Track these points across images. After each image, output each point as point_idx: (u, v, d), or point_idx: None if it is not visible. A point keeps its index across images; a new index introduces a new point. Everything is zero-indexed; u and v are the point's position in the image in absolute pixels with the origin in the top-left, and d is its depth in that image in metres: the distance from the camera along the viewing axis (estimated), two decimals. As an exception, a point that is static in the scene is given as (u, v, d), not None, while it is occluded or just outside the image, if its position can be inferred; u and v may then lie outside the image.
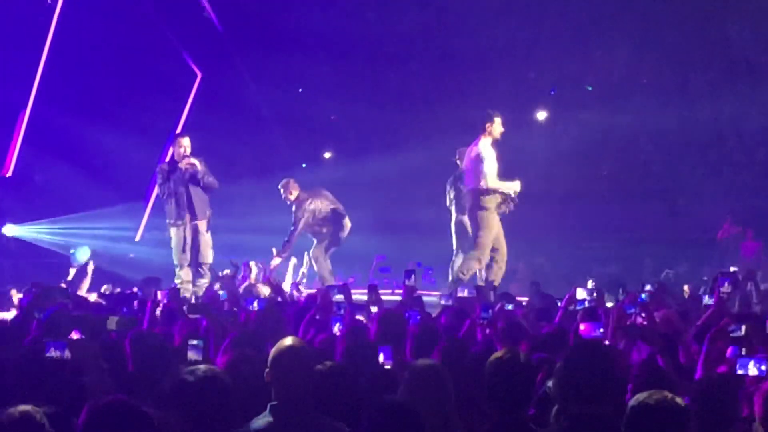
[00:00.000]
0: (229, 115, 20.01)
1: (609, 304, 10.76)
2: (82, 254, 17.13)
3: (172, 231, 15.30)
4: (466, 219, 15.89)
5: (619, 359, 6.71)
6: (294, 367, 5.70)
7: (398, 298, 12.08)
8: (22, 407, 5.18)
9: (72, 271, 15.86)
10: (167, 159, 15.76)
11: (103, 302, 12.28)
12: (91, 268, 16.42)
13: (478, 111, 19.28)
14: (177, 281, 14.88)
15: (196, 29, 21.20)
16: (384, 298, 11.68)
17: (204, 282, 15.07)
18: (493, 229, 14.30)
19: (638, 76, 20.46)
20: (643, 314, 9.18)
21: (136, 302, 10.97)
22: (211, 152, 16.20)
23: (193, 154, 14.90)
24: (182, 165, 14.97)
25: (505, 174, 14.00)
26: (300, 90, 22.67)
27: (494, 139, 14.26)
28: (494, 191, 14.12)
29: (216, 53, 21.60)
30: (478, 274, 15.34)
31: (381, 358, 7.22)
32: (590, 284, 12.80)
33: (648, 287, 11.74)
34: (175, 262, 15.31)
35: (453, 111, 20.13)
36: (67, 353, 6.72)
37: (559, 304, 10.77)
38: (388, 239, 18.73)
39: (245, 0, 21.14)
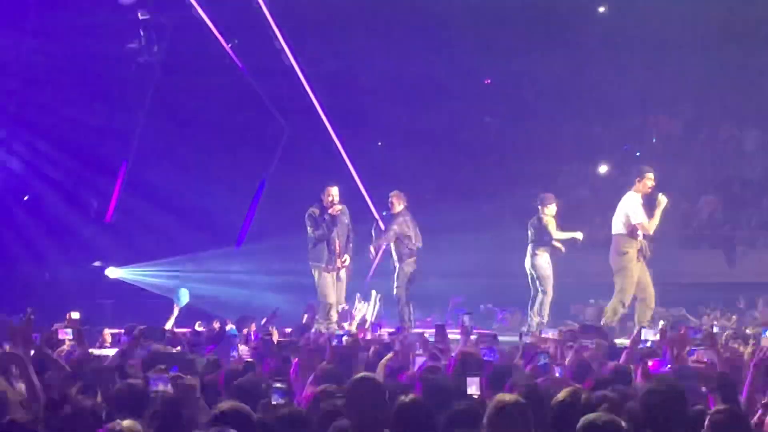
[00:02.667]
0: (312, 163, 20.16)
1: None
2: (184, 295, 17.39)
3: (324, 274, 15.64)
4: (539, 262, 16.19)
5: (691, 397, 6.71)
6: (367, 398, 5.83)
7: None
8: (127, 422, 5.46)
9: (176, 310, 16.06)
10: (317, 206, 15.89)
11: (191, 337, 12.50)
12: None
13: (547, 164, 19.60)
14: (323, 324, 15.10)
15: (283, 85, 21.34)
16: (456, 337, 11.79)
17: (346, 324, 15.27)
18: (635, 273, 14.67)
19: (697, 133, 20.48)
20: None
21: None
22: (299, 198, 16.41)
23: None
24: (332, 211, 15.45)
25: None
26: (379, 143, 22.83)
27: (643, 192, 14.77)
28: (634, 237, 14.65)
29: (301, 107, 21.68)
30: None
31: (473, 389, 7.32)
32: (661, 323, 12.87)
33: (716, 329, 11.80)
34: (330, 301, 15.56)
35: (522, 163, 20.29)
36: (169, 388, 6.89)
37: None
38: (464, 281, 18.75)
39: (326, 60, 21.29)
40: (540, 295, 16.51)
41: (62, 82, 19.19)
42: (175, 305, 16.08)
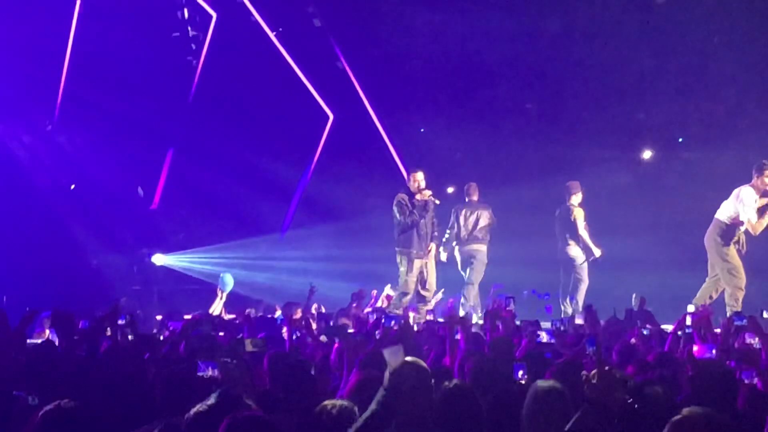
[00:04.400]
0: (359, 152, 20.15)
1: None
2: (229, 281, 17.42)
3: (413, 261, 15.55)
4: (571, 252, 16.24)
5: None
6: (411, 382, 5.77)
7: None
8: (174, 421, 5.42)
9: (221, 294, 16.07)
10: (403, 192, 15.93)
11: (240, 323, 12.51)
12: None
13: (588, 150, 19.51)
14: (397, 306, 15.05)
15: (329, 73, 21.40)
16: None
17: (426, 308, 15.23)
18: (735, 255, 14.46)
19: (742, 108, 20.30)
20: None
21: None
22: (344, 187, 16.38)
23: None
24: (420, 197, 15.43)
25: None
26: (422, 130, 22.80)
27: (763, 188, 14.32)
28: (737, 228, 14.38)
29: (347, 96, 21.73)
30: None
31: (520, 374, 7.33)
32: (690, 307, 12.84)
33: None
34: (408, 290, 15.58)
35: (563, 148, 20.20)
36: (216, 372, 6.89)
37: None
38: (506, 269, 18.65)
39: (374, 45, 21.25)
40: (578, 284, 16.59)
41: (108, 74, 19.24)
42: (220, 291, 16.13)
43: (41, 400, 6.00)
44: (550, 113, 21.10)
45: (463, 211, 17.31)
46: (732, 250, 14.40)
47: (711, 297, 14.64)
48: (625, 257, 17.39)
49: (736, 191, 14.45)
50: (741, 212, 14.23)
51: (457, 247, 17.31)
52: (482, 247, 17.33)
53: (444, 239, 17.25)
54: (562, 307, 16.48)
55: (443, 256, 17.02)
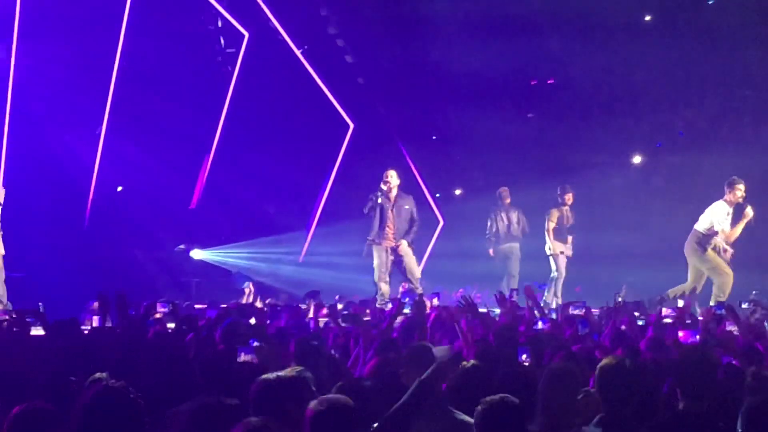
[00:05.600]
0: (375, 160, 20.17)
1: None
2: (259, 274, 17.50)
3: (371, 247, 15.54)
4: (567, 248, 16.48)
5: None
6: (424, 364, 5.85)
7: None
8: (210, 400, 5.47)
9: (250, 286, 16.12)
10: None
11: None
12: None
13: (583, 155, 19.57)
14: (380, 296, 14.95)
15: (349, 86, 21.49)
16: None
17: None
18: (714, 258, 14.85)
19: (725, 117, 20.36)
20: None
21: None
22: (362, 189, 16.42)
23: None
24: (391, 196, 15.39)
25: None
26: (434, 137, 22.88)
27: (734, 202, 14.80)
28: (713, 237, 14.84)
29: (364, 106, 21.82)
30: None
31: (523, 357, 7.43)
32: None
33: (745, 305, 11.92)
34: (376, 277, 15.45)
35: (560, 154, 20.25)
36: (253, 357, 6.93)
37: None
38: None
39: (389, 61, 21.33)
40: (558, 276, 16.87)
41: (151, 87, 19.34)
42: (250, 283, 16.19)
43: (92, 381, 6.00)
44: (550, 122, 21.12)
45: (501, 214, 17.64)
46: (710, 253, 14.88)
47: (695, 291, 14.83)
48: (616, 251, 17.46)
49: (711, 206, 14.95)
50: (716, 224, 14.73)
51: (495, 245, 17.70)
52: (516, 244, 17.71)
53: (488, 238, 17.92)
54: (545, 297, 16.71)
55: (491, 252, 17.59)
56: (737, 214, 14.87)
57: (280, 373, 5.13)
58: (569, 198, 17.14)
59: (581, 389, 6.04)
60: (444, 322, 9.50)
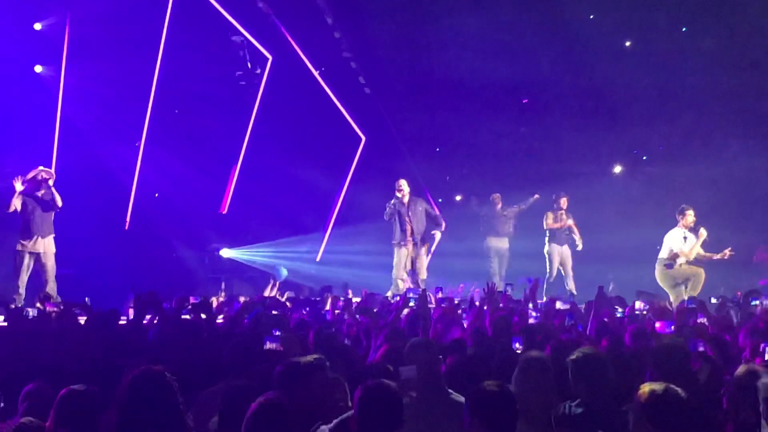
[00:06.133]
0: (384, 169, 20.20)
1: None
2: (283, 271, 17.44)
3: (395, 248, 15.50)
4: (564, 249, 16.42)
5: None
6: (421, 355, 5.89)
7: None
8: (238, 382, 5.46)
9: (275, 282, 16.12)
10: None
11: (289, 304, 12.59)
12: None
13: (569, 165, 19.58)
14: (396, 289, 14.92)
15: (361, 103, 21.53)
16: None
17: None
18: (684, 270, 14.72)
19: (696, 132, 20.39)
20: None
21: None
22: (373, 195, 16.40)
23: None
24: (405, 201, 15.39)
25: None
26: (438, 149, 22.92)
27: (687, 226, 14.81)
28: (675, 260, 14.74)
29: (375, 121, 21.86)
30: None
31: (517, 345, 7.43)
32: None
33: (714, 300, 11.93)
34: (396, 275, 15.43)
35: (549, 165, 20.24)
36: (278, 345, 6.91)
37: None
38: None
39: (398, 80, 21.36)
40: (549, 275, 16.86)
41: (186, 103, 19.40)
42: (273, 279, 16.19)
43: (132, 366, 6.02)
44: (540, 136, 21.12)
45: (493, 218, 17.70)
46: (675, 269, 14.71)
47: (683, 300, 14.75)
48: (599, 252, 17.39)
49: (667, 234, 15.01)
50: (675, 248, 14.70)
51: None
52: (506, 245, 17.69)
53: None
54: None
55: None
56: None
57: (301, 359, 5.14)
58: (564, 202, 17.05)
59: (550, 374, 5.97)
60: (447, 313, 9.50)
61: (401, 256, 15.44)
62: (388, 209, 15.55)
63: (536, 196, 17.74)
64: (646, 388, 4.80)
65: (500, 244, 17.70)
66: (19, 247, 13.17)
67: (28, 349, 7.35)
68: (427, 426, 5.40)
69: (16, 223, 13.38)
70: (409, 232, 15.43)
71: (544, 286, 16.66)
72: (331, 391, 5.05)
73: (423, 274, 15.50)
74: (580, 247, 16.99)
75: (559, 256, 16.96)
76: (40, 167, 13.57)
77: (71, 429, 4.58)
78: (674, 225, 15.15)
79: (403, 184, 15.60)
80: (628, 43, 21.02)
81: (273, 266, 19.18)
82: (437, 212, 16.06)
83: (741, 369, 5.86)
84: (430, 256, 16.22)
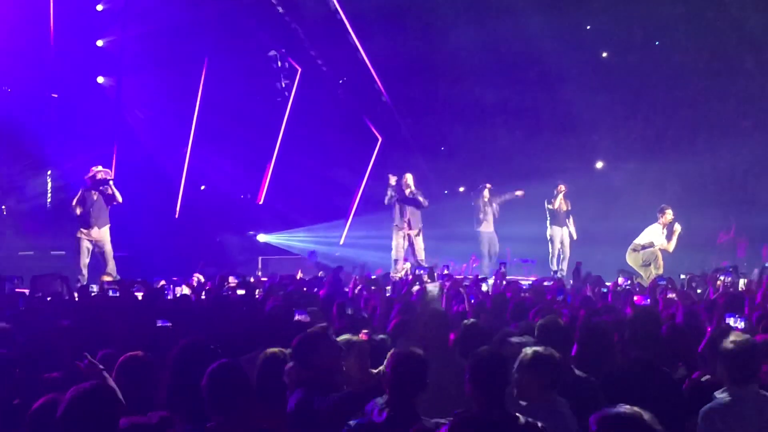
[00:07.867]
0: (397, 165, 20.18)
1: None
2: (313, 254, 17.45)
3: (393, 231, 15.34)
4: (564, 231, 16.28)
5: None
6: (432, 322, 5.90)
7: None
8: (271, 349, 5.26)
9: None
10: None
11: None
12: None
13: (556, 162, 19.49)
14: (395, 272, 14.67)
15: (378, 108, 21.56)
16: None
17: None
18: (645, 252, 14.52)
19: (667, 132, 20.37)
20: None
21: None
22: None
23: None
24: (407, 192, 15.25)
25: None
26: (442, 148, 22.95)
27: (665, 224, 14.57)
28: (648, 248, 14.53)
29: (390, 124, 21.89)
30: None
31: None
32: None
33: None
34: (396, 255, 15.29)
35: (539, 162, 20.18)
36: (307, 318, 6.92)
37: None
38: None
39: (409, 87, 21.37)
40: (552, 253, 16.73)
41: (227, 111, 19.48)
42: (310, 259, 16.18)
43: (183, 334, 6.04)
44: (531, 137, 21.07)
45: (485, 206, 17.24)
46: (645, 252, 14.52)
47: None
48: (582, 236, 17.30)
49: (648, 227, 14.75)
50: (654, 241, 14.48)
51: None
52: (492, 231, 17.33)
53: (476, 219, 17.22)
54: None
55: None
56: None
57: (309, 330, 5.14)
58: (561, 188, 16.72)
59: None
60: (456, 289, 9.49)
61: (399, 239, 15.36)
62: (389, 192, 15.41)
63: (520, 192, 17.35)
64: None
65: (487, 228, 17.42)
66: (78, 235, 13.47)
67: (95, 319, 7.41)
68: (439, 389, 5.42)
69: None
70: (407, 220, 15.35)
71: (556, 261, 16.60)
72: (338, 356, 5.03)
73: (421, 255, 15.44)
74: (574, 237, 16.89)
75: (560, 237, 16.82)
76: (99, 167, 13.71)
77: (133, 388, 4.62)
78: (649, 214, 15.08)
79: (409, 178, 15.51)
80: (604, 54, 21.01)
81: (307, 250, 19.27)
82: (419, 195, 15.64)
83: (715, 331, 5.88)
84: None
